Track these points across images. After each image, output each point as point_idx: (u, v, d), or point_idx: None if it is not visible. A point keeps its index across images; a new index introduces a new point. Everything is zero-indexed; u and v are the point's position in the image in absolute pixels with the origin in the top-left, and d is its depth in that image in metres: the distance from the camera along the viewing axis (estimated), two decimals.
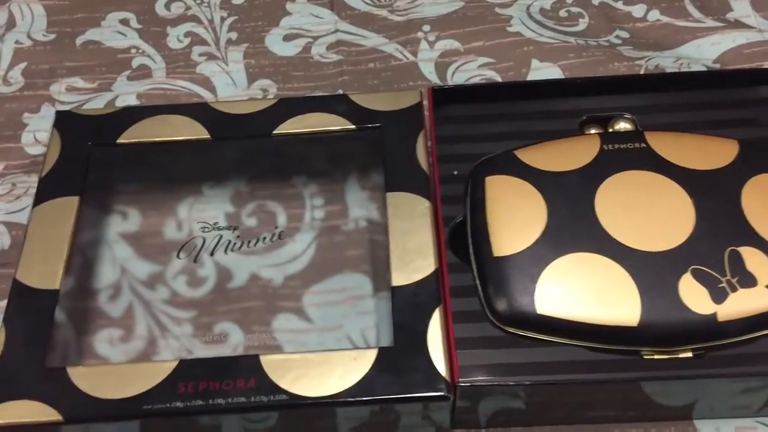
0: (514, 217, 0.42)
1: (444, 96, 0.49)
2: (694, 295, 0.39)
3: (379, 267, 0.47)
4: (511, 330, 0.40)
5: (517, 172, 0.44)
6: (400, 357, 0.39)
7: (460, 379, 0.38)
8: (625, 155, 0.44)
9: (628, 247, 0.41)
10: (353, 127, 0.48)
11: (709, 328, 0.39)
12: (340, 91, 0.57)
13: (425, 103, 0.49)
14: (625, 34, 0.59)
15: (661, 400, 0.40)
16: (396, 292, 0.41)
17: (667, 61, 0.56)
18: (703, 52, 0.57)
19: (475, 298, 0.42)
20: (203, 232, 0.48)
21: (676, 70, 0.56)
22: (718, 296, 0.39)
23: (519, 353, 0.40)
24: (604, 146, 0.45)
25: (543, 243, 0.41)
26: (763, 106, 0.49)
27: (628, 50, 0.58)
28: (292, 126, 0.48)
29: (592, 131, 0.48)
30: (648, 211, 0.42)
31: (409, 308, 0.40)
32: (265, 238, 0.49)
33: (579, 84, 0.50)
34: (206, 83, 0.58)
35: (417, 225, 0.43)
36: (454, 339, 0.40)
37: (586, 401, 0.41)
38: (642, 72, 0.56)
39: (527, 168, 0.44)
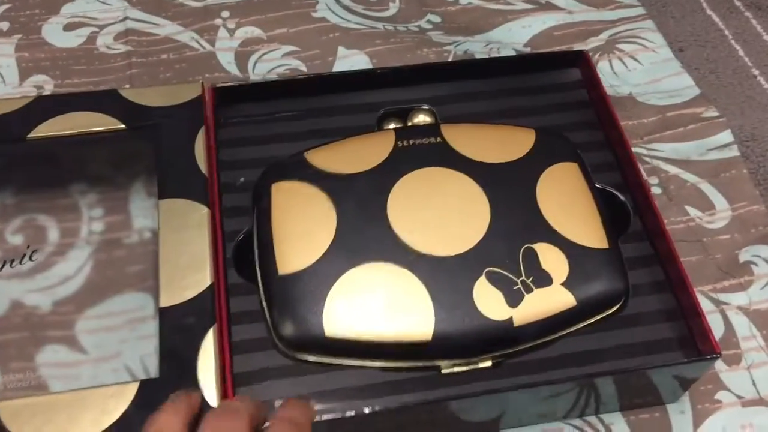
0: (301, 229, 0.38)
1: (229, 95, 0.44)
2: (489, 301, 0.36)
3: None
4: (301, 356, 0.36)
5: (305, 176, 0.40)
6: (167, 390, 0.33)
7: None
8: (420, 151, 0.41)
9: (421, 253, 0.37)
10: (123, 126, 0.42)
11: (505, 335, 0.36)
12: (128, 86, 0.51)
13: (207, 101, 0.44)
14: (436, 19, 0.56)
15: (467, 416, 0.38)
16: (164, 314, 0.36)
17: (476, 46, 0.54)
18: (514, 36, 0.55)
19: (262, 323, 0.37)
20: None
21: (485, 56, 0.54)
22: (514, 299, 0.36)
23: (311, 381, 0.36)
24: (399, 143, 0.41)
25: (331, 256, 0.37)
26: (570, 90, 0.47)
27: (437, 35, 0.55)
28: (51, 128, 0.41)
29: (391, 126, 0.44)
30: (442, 212, 0.39)
31: (179, 332, 0.35)
32: (14, 260, 0.42)
33: (379, 75, 0.47)
34: None
35: (192, 235, 0.38)
36: (231, 371, 0.35)
37: (390, 426, 0.37)
38: (450, 58, 0.53)
39: (317, 171, 0.40)
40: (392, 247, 0.37)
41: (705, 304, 0.43)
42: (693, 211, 0.47)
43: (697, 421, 0.39)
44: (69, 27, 0.54)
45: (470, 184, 0.40)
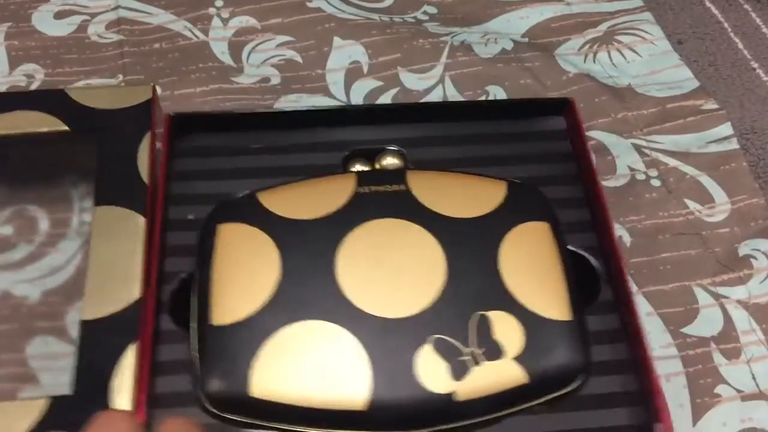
0: (242, 278, 0.35)
1: (188, 124, 0.42)
2: (431, 371, 0.33)
3: None
4: (224, 415, 0.34)
5: (254, 219, 0.37)
6: (79, 409, 0.31)
7: None
8: (381, 200, 0.38)
9: (366, 313, 0.34)
10: (67, 128, 0.40)
11: (446, 409, 0.33)
12: (120, 76, 0.51)
13: (163, 129, 0.41)
14: (432, 10, 0.56)
15: None
16: (86, 327, 0.34)
17: (473, 37, 0.54)
18: (511, 27, 0.55)
19: (189, 375, 0.35)
20: None
21: (482, 46, 0.53)
22: (459, 371, 0.33)
23: None
24: (360, 189, 0.38)
25: (269, 310, 0.34)
26: (554, 140, 0.43)
27: (434, 26, 0.54)
28: None
29: (357, 167, 0.42)
30: (395, 270, 0.36)
31: (98, 348, 0.33)
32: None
33: (349, 112, 0.44)
34: None
35: (126, 246, 0.36)
36: (148, 391, 0.33)
37: None
38: (447, 49, 0.52)
39: (267, 215, 0.37)
40: (335, 305, 0.35)
41: (704, 298, 0.43)
42: (692, 204, 0.46)
43: (697, 415, 0.39)
44: (59, 15, 0.53)
45: (429, 241, 0.37)
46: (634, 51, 0.54)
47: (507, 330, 0.34)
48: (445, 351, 0.34)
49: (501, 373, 0.33)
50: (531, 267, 0.36)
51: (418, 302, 0.35)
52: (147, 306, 0.35)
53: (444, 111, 0.45)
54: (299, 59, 0.52)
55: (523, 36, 0.55)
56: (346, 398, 0.33)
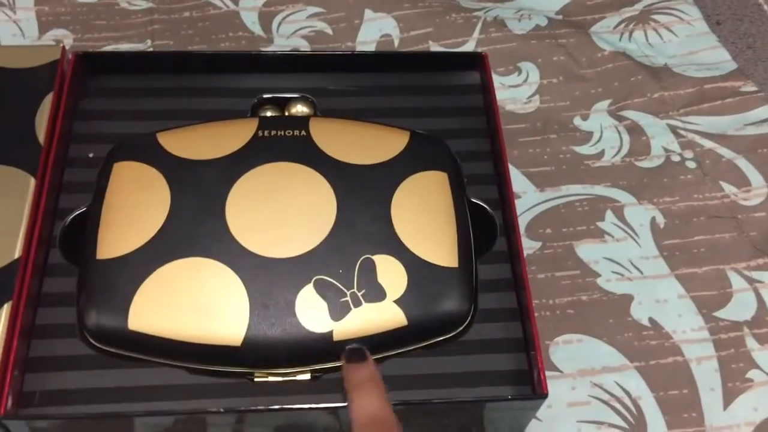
0: (131, 214, 0.35)
1: (101, 64, 0.41)
2: (310, 311, 0.33)
3: None
4: (103, 347, 0.34)
5: (150, 158, 0.37)
6: None
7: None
8: (280, 144, 0.38)
9: (251, 252, 0.34)
10: None
11: (323, 348, 0.33)
12: (149, 42, 0.50)
13: (67, 68, 0.40)
14: None
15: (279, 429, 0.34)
16: None
17: (507, 12, 0.53)
18: (546, 4, 0.54)
19: (74, 308, 0.34)
20: None
21: (516, 22, 0.52)
22: (338, 312, 0.33)
23: (112, 375, 0.33)
24: (260, 132, 0.38)
25: (154, 245, 0.34)
26: (468, 94, 0.43)
27: (467, 1, 0.53)
28: None
29: (267, 114, 0.41)
30: (285, 211, 0.36)
31: None
32: None
33: (265, 59, 0.43)
34: None
35: (10, 205, 0.36)
36: (15, 357, 0.32)
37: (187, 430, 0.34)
38: (480, 24, 0.52)
39: (164, 154, 0.37)
40: (221, 243, 0.34)
41: (738, 282, 0.42)
42: (728, 187, 0.45)
43: (728, 399, 0.38)
44: None
45: (323, 185, 0.36)
46: (671, 31, 0.53)
47: (391, 273, 0.34)
48: (327, 292, 0.34)
49: (380, 315, 0.33)
50: (423, 214, 0.36)
51: (303, 244, 0.35)
52: (26, 267, 0.34)
53: (360, 61, 0.44)
54: (330, 31, 0.52)
55: (558, 13, 0.53)
56: (223, 334, 0.33)
